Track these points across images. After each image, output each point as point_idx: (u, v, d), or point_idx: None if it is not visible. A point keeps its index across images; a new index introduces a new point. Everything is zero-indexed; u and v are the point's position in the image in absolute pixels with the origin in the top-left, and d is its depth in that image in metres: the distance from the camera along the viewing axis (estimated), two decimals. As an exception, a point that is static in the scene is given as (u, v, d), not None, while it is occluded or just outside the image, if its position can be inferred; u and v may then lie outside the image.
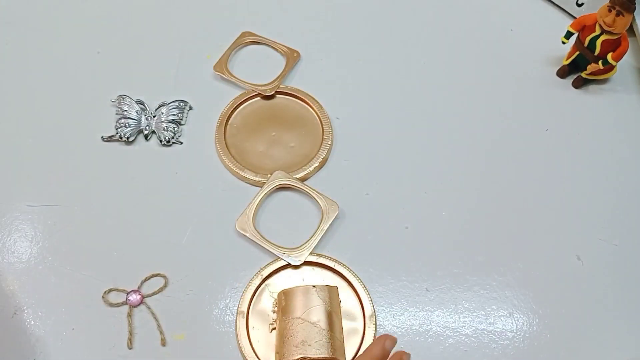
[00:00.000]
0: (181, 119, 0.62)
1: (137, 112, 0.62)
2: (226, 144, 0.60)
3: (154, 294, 0.51)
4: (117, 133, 0.60)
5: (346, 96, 0.65)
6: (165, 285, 0.52)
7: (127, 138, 0.60)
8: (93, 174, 0.59)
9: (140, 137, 0.61)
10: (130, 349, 0.49)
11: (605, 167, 0.60)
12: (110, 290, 0.51)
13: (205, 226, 0.56)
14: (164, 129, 0.61)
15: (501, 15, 0.73)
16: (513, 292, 0.53)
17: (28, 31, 0.70)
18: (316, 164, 0.59)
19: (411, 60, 0.68)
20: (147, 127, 0.61)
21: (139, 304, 0.51)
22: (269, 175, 0.58)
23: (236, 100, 0.64)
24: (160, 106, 0.63)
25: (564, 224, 0.56)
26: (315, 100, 0.63)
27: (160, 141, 0.61)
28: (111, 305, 0.51)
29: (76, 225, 0.55)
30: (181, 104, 0.63)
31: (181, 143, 0.61)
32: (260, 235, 0.54)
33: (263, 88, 0.64)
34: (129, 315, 0.50)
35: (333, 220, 0.55)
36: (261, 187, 0.57)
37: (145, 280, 0.52)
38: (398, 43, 0.70)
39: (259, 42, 0.69)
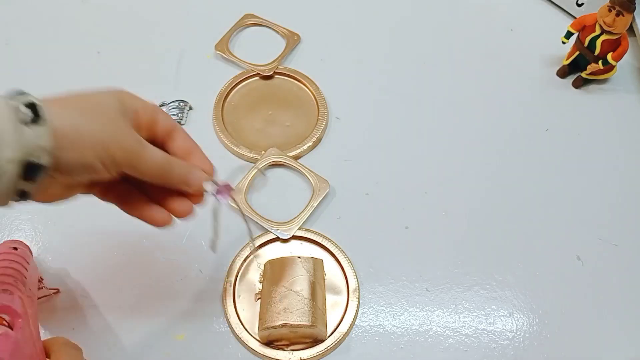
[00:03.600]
0: (181, 119, 0.62)
1: None
2: (223, 121, 0.62)
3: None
4: None
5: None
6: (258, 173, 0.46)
7: None
8: (93, 174, 0.59)
9: None
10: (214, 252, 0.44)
11: (605, 167, 0.60)
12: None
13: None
14: None
15: (501, 15, 0.73)
16: (513, 292, 0.53)
17: (28, 31, 0.70)
18: (310, 143, 0.60)
19: (411, 59, 0.68)
20: None
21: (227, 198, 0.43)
22: (263, 152, 0.59)
23: (235, 79, 0.65)
24: (160, 106, 0.63)
25: (564, 224, 0.56)
26: (313, 82, 0.65)
27: None
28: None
29: (76, 225, 0.55)
30: (181, 104, 0.63)
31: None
32: (252, 209, 0.56)
33: (262, 68, 0.66)
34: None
35: (323, 199, 0.56)
36: (255, 163, 0.59)
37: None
38: (398, 43, 0.70)
39: (260, 24, 0.71)
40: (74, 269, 0.53)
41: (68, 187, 0.39)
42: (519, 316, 0.52)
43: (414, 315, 0.51)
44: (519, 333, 0.51)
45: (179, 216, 0.42)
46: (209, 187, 0.42)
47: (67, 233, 0.55)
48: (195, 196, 0.42)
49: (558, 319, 0.51)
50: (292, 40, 0.69)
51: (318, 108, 0.63)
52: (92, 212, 0.56)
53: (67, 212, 0.56)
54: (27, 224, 0.56)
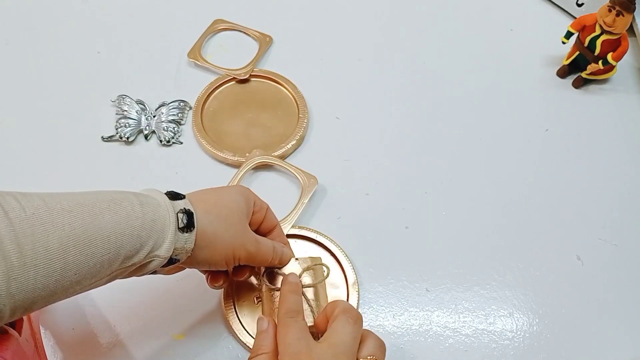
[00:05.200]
0: (181, 119, 0.62)
1: (137, 112, 0.62)
2: (204, 128, 0.61)
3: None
4: (117, 133, 0.60)
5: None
6: (327, 276, 0.49)
7: (127, 138, 0.60)
8: (93, 174, 0.59)
9: (141, 137, 0.61)
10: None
11: (605, 167, 0.60)
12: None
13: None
14: (164, 129, 0.61)
15: (501, 15, 0.73)
16: (513, 292, 0.53)
17: (28, 31, 0.70)
18: (293, 142, 0.60)
19: (412, 60, 0.68)
20: (147, 127, 0.61)
21: None
22: (247, 154, 0.59)
23: (211, 85, 0.65)
24: (160, 106, 0.63)
25: (564, 224, 0.56)
26: (289, 81, 0.65)
27: (160, 141, 0.61)
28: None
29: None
30: (181, 104, 0.63)
31: (181, 143, 0.61)
32: None
33: (237, 72, 0.66)
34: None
35: (319, 198, 0.56)
36: (240, 166, 0.58)
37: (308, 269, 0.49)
38: (398, 43, 0.70)
39: (231, 29, 0.71)
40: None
41: (181, 268, 0.44)
42: (519, 316, 0.52)
43: (414, 315, 0.51)
44: (519, 333, 0.51)
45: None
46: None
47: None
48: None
49: (558, 319, 0.51)
50: (265, 42, 0.69)
51: (297, 106, 0.63)
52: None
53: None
54: (27, 224, 0.56)
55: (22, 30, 0.70)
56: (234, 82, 0.66)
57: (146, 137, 0.61)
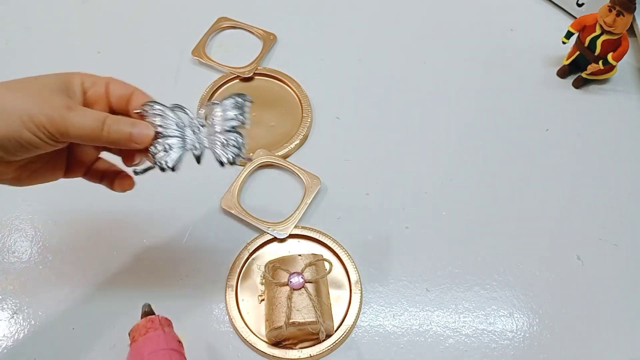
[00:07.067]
0: (244, 121, 0.42)
1: (177, 125, 0.42)
2: None
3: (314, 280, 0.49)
4: (155, 162, 0.41)
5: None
6: (330, 271, 0.49)
7: (173, 168, 0.41)
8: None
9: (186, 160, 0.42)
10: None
11: (606, 167, 0.60)
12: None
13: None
14: (223, 143, 0.41)
15: (501, 15, 0.73)
16: (513, 292, 0.53)
17: (28, 31, 0.70)
18: (297, 141, 0.61)
19: (411, 59, 0.68)
20: (198, 145, 0.42)
21: (300, 288, 0.48)
22: (252, 154, 0.59)
23: (215, 84, 0.65)
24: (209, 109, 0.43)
25: (564, 224, 0.56)
26: (293, 80, 0.65)
27: (221, 163, 0.41)
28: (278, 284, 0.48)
29: (76, 225, 0.56)
30: (239, 100, 0.43)
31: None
32: (246, 211, 0.56)
33: (241, 70, 0.66)
34: (289, 297, 0.47)
35: (320, 197, 0.57)
36: (244, 166, 0.58)
37: (310, 265, 0.49)
38: (397, 42, 0.70)
39: (235, 27, 0.71)
40: (74, 268, 0.53)
41: (21, 167, 0.41)
42: (519, 316, 0.52)
43: (414, 315, 0.51)
44: (519, 333, 0.51)
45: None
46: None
47: (67, 233, 0.55)
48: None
49: (558, 319, 0.51)
50: (269, 40, 0.69)
51: (301, 105, 0.63)
52: (92, 212, 0.57)
53: (67, 212, 0.57)
54: (27, 223, 0.56)
55: (22, 30, 0.70)
56: (237, 81, 0.66)
57: (198, 159, 0.42)
